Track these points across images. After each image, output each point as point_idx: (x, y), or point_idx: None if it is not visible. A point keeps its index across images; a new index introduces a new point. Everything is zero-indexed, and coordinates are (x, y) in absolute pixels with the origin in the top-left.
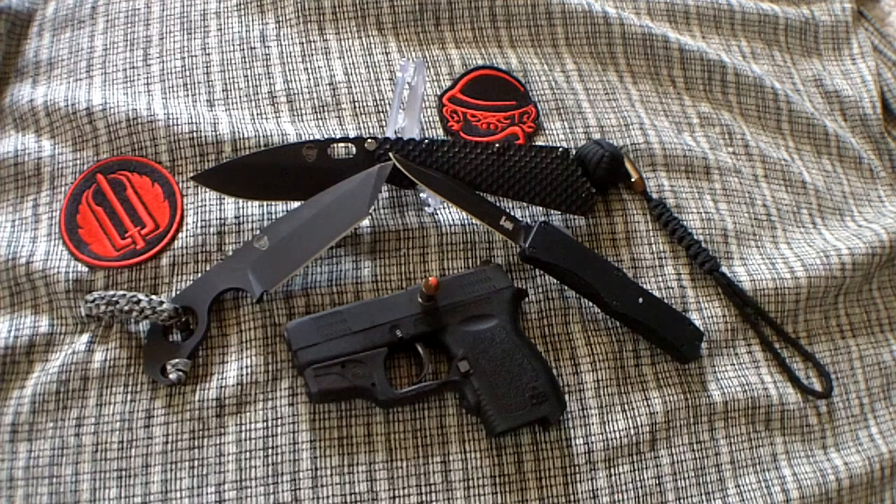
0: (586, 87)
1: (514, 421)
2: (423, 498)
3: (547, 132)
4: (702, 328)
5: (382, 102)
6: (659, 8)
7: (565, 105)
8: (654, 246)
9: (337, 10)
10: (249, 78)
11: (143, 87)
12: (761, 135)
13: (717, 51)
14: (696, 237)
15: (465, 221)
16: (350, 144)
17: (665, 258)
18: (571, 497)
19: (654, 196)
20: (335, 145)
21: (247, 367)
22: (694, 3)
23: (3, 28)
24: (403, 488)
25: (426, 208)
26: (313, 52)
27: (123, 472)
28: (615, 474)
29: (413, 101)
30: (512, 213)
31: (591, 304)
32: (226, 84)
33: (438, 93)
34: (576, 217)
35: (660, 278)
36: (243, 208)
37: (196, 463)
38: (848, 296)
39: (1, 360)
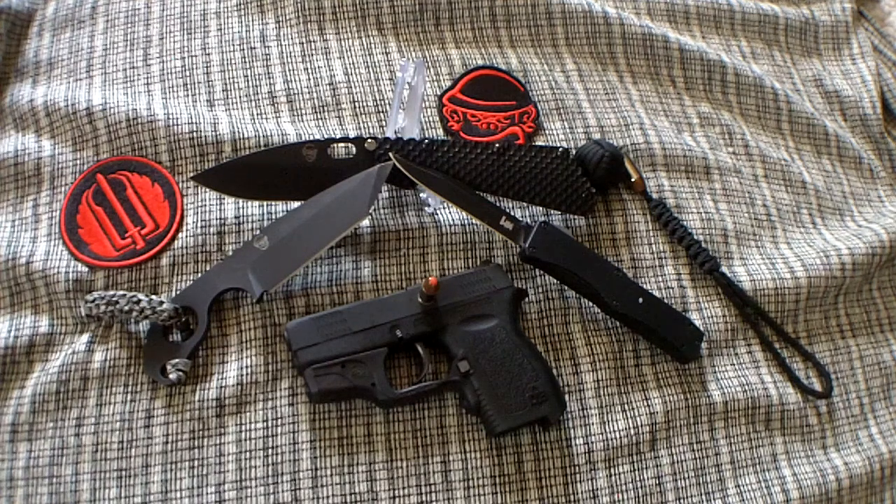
0: (586, 87)
1: (514, 421)
2: (423, 498)
3: (547, 132)
4: (702, 328)
5: (382, 102)
6: (659, 8)
7: (565, 105)
8: (654, 246)
9: (337, 10)
10: (249, 78)
11: (143, 87)
12: (761, 135)
13: (717, 51)
14: (696, 237)
15: (465, 221)
16: (350, 144)
17: (665, 258)
18: (571, 497)
19: (654, 196)
20: (335, 145)
21: (247, 367)
22: (694, 3)
23: (3, 28)
24: (403, 488)
25: (426, 208)
26: (313, 52)
27: (123, 472)
28: (615, 474)
29: (413, 101)
30: (512, 213)
31: (591, 304)
32: (226, 84)
33: (438, 93)
34: (576, 217)
35: (660, 278)
36: (243, 208)
37: (196, 463)
38: (848, 296)
39: (1, 360)
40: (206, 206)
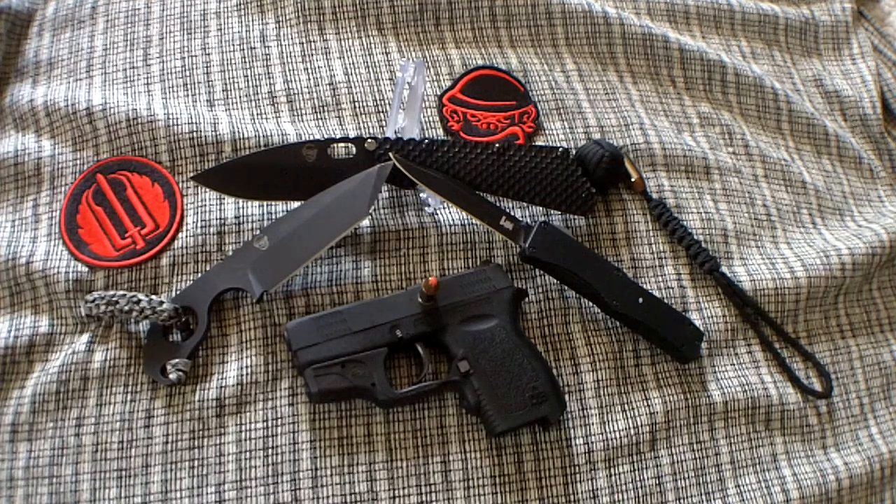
0: (586, 87)
1: (514, 421)
2: (423, 498)
3: (547, 132)
4: (702, 328)
5: (382, 102)
6: (659, 8)
7: (565, 105)
8: (654, 246)
9: (337, 10)
10: (249, 78)
11: (143, 87)
12: (761, 135)
13: (717, 51)
14: (696, 237)
15: (465, 221)
16: (350, 144)
17: (665, 258)
18: (571, 497)
19: (654, 196)
20: (335, 145)
21: (247, 367)
22: (694, 3)
23: (3, 28)
24: (403, 488)
25: (426, 208)
26: (313, 52)
27: (123, 472)
28: (615, 474)
29: (413, 101)
30: (512, 213)
31: (591, 304)
32: (226, 84)
33: (438, 93)
34: (576, 217)
35: (660, 278)
36: (243, 208)
37: (196, 463)
38: (848, 296)
39: (1, 360)
40: (206, 206)
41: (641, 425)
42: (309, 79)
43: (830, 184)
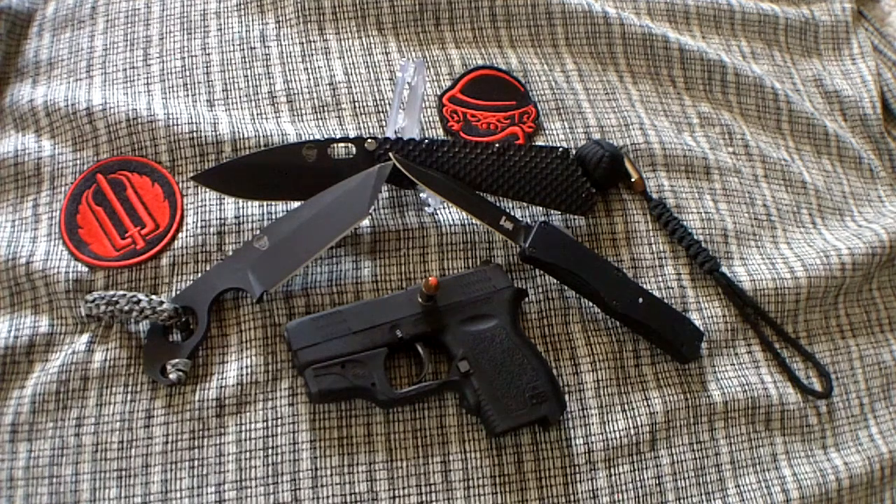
0: (586, 87)
1: (514, 421)
2: (423, 498)
3: (547, 132)
4: (702, 328)
5: (382, 102)
6: (659, 8)
7: (565, 105)
8: (654, 246)
9: (337, 10)
10: (249, 78)
11: (143, 87)
12: (761, 135)
13: (717, 51)
14: (696, 237)
15: (465, 221)
16: (350, 144)
17: (665, 258)
18: (571, 497)
19: (654, 196)
20: (335, 145)
21: (247, 367)
22: (694, 3)
23: (3, 28)
24: (403, 488)
25: (426, 208)
26: (313, 52)
27: (123, 472)
28: (615, 474)
29: (413, 101)
30: (512, 213)
31: (591, 304)
32: (226, 84)
33: (438, 93)
34: (576, 217)
35: (660, 278)
36: (243, 208)
37: (196, 463)
38: (848, 296)
39: (1, 360)
40: (206, 206)
41: (641, 425)
42: (309, 79)
43: (830, 184)
